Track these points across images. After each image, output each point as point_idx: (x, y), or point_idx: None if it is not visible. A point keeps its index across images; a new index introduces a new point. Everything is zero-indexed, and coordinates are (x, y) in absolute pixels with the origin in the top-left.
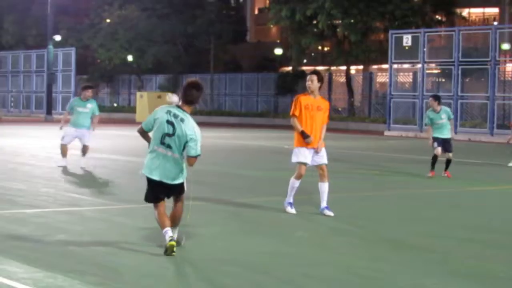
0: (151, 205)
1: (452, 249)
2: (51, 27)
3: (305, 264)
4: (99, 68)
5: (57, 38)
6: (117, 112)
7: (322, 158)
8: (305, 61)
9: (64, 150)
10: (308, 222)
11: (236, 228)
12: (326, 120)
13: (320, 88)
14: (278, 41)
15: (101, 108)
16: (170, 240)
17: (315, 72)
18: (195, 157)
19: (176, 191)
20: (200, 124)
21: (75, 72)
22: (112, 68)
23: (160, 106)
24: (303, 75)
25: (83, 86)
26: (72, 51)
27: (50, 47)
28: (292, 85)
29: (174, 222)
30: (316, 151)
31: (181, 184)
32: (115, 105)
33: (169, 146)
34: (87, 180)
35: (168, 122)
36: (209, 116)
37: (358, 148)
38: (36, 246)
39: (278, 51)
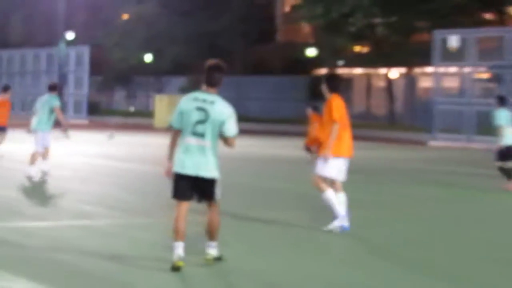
0: (170, 218)
1: (501, 275)
2: (62, 23)
3: (336, 285)
4: (114, 69)
5: (70, 36)
6: (133, 117)
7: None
8: (341, 63)
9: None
10: (340, 240)
11: (264, 246)
12: (331, 120)
13: (334, 89)
14: (311, 41)
15: (117, 112)
16: (178, 260)
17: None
18: (234, 137)
19: (208, 190)
20: None
21: (89, 73)
22: (129, 69)
23: (184, 97)
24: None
25: (57, 85)
26: (86, 50)
27: (62, 45)
28: None
29: (211, 235)
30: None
31: (214, 182)
32: (131, 109)
33: (202, 135)
34: (101, 191)
35: (199, 108)
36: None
37: (398, 160)
38: (45, 262)
39: (311, 52)
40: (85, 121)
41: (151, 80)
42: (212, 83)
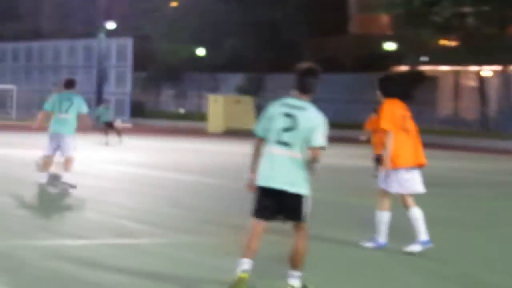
0: (225, 237)
1: None
2: (102, 11)
3: None
4: (161, 64)
5: (111, 26)
6: (183, 120)
7: None
8: (424, 59)
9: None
10: (411, 265)
11: (334, 272)
12: (380, 127)
13: (387, 94)
14: (389, 33)
15: (164, 115)
16: (243, 272)
17: None
18: (322, 148)
19: (294, 208)
20: None
21: (132, 68)
22: (178, 64)
23: (273, 102)
24: (421, 77)
25: (75, 80)
26: (129, 42)
27: (102, 36)
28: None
29: (294, 263)
30: None
31: (302, 198)
32: (181, 111)
33: (288, 144)
34: (143, 205)
35: (286, 114)
36: None
37: (489, 172)
38: (76, 283)
39: (389, 46)
40: (128, 124)
41: (204, 77)
42: (305, 90)
